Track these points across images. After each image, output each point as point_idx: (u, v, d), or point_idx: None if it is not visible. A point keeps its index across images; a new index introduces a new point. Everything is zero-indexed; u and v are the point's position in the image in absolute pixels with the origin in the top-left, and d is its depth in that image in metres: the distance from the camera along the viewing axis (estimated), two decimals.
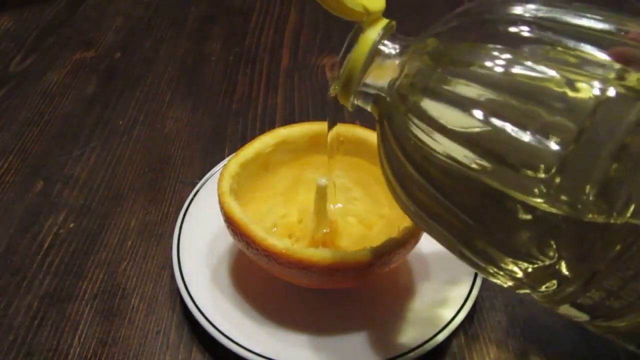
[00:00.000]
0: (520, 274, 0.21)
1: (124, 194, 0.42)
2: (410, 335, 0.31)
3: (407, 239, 0.30)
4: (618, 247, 0.18)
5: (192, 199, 0.38)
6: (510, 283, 0.22)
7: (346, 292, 0.34)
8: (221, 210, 0.32)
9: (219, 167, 0.41)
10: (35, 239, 0.39)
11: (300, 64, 0.57)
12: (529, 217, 0.19)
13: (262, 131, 0.40)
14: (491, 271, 0.22)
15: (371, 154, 0.35)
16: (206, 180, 0.40)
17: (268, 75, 0.55)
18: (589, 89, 0.18)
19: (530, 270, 0.20)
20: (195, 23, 0.65)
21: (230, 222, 0.31)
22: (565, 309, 0.21)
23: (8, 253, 0.38)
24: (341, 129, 0.36)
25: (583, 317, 0.21)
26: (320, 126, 0.36)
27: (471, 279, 0.33)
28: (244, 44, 0.60)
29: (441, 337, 0.30)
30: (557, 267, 0.19)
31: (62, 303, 0.35)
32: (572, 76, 0.18)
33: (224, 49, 0.60)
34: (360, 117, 0.49)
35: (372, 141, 0.35)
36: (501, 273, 0.21)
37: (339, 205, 0.37)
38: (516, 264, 0.20)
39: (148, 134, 0.48)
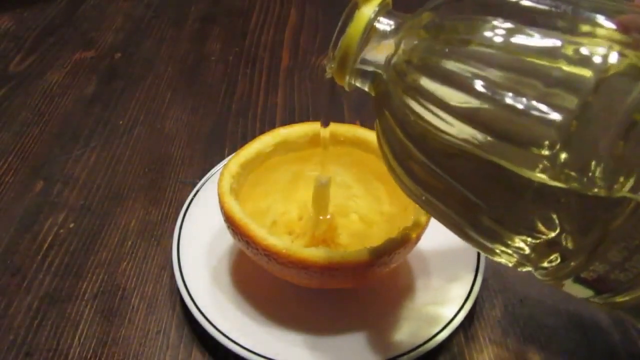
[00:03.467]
0: (526, 250, 0.20)
1: (124, 194, 0.42)
2: (410, 335, 0.31)
3: (407, 239, 0.30)
4: (620, 218, 0.18)
5: (192, 199, 0.38)
6: (514, 260, 0.21)
7: (346, 292, 0.34)
8: (221, 210, 0.32)
9: (219, 167, 0.41)
10: (35, 239, 0.39)
11: (300, 64, 0.57)
12: (532, 191, 0.18)
13: (262, 131, 0.40)
14: (497, 250, 0.21)
15: (371, 152, 0.35)
16: (206, 180, 0.40)
17: (268, 75, 0.55)
18: (591, 63, 0.17)
19: (534, 244, 0.20)
20: (195, 23, 0.65)
21: (230, 222, 0.31)
22: (570, 285, 0.21)
23: (8, 253, 0.38)
24: (342, 128, 0.36)
25: (588, 293, 0.21)
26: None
27: (471, 278, 0.33)
28: (244, 44, 0.60)
29: (441, 337, 0.30)
30: (560, 240, 0.19)
31: (62, 303, 0.35)
32: (574, 49, 0.18)
33: (224, 49, 0.60)
34: (360, 117, 0.49)
35: (372, 140, 0.35)
36: (508, 251, 0.21)
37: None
38: (521, 240, 0.20)
39: (148, 134, 0.48)
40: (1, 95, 0.53)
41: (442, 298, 0.33)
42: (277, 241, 0.29)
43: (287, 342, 0.31)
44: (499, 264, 0.36)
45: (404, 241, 0.30)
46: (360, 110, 0.50)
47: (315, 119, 0.45)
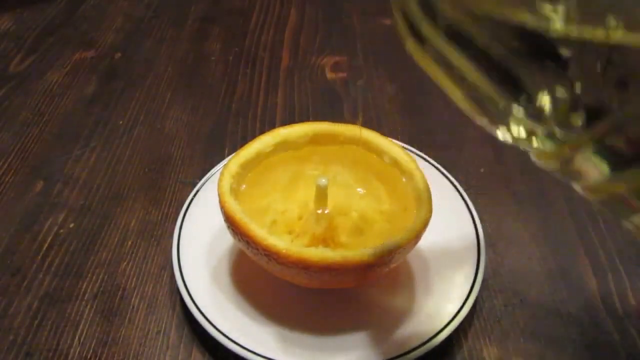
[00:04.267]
0: (548, 110, 0.18)
1: (124, 194, 0.42)
2: (409, 335, 0.31)
3: (407, 239, 0.30)
4: None
5: (192, 199, 0.38)
6: (527, 127, 0.20)
7: (346, 292, 0.34)
8: (221, 210, 0.32)
9: (219, 167, 0.41)
10: (35, 239, 0.39)
11: (300, 64, 0.57)
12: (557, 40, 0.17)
13: (262, 131, 0.40)
14: (514, 111, 0.19)
15: (371, 151, 0.36)
16: (206, 180, 0.40)
17: (268, 75, 0.55)
18: None
19: (559, 100, 0.18)
20: (195, 23, 0.65)
21: (231, 222, 0.31)
22: (587, 158, 0.18)
23: (8, 253, 0.38)
24: (341, 128, 0.36)
25: (603, 168, 0.18)
26: (320, 126, 0.36)
27: (471, 278, 0.33)
28: (244, 44, 0.60)
29: (441, 337, 0.30)
30: (588, 96, 0.17)
31: (62, 303, 0.35)
32: None
33: (224, 49, 0.60)
34: (360, 117, 0.49)
35: (372, 140, 0.35)
36: (526, 110, 0.19)
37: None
38: (546, 93, 0.18)
39: (148, 134, 0.48)
40: (1, 95, 0.53)
41: (442, 298, 0.33)
42: (277, 241, 0.29)
43: (287, 342, 0.31)
44: (499, 264, 0.36)
45: (404, 241, 0.30)
46: (361, 110, 0.50)
47: (315, 119, 0.45)
